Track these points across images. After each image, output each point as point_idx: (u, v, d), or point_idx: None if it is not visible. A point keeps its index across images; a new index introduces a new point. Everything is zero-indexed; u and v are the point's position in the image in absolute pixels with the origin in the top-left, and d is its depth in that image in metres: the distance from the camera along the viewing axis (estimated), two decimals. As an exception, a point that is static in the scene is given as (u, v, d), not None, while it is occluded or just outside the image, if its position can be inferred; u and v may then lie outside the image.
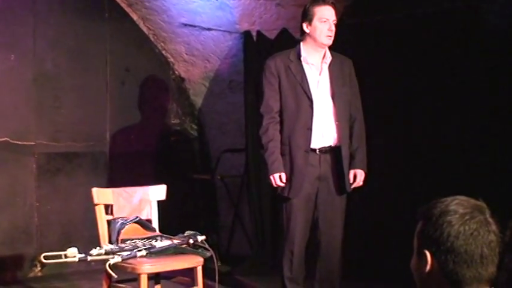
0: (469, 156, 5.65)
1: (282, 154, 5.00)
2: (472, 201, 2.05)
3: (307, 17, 4.98)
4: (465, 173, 5.60)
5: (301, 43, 5.07)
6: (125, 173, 7.23)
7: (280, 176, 4.96)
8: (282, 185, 4.98)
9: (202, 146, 8.08)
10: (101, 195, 4.86)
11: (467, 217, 1.98)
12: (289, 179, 4.98)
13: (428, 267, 2.01)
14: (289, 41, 6.39)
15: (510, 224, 2.17)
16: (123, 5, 7.40)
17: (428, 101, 6.01)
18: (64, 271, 6.63)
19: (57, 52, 6.92)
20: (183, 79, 7.89)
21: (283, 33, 6.79)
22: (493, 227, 2.00)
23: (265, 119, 5.04)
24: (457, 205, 2.01)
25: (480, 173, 5.51)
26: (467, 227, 1.97)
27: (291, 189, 4.98)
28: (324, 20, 4.93)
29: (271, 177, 4.97)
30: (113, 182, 6.89)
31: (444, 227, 1.98)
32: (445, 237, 1.97)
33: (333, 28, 4.97)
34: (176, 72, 7.88)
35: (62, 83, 6.95)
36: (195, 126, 8.07)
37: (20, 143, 6.60)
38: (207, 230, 6.46)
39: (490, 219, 2.01)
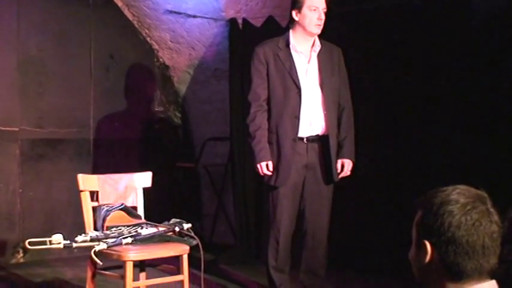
0: (463, 144, 5.62)
1: (269, 142, 4.98)
2: (473, 190, 2.00)
3: (296, 4, 4.95)
4: (459, 162, 5.58)
5: (291, 31, 5.04)
6: (108, 160, 7.22)
7: (267, 165, 4.95)
8: (269, 173, 4.97)
9: (186, 134, 8.05)
10: (87, 181, 4.81)
11: (468, 207, 1.93)
12: (276, 168, 4.96)
13: (428, 258, 1.97)
14: (275, 29, 6.36)
15: (508, 214, 2.13)
16: (108, -9, 7.35)
17: (417, 91, 5.98)
18: (47, 258, 6.59)
19: (42, 38, 6.87)
20: (167, 67, 7.85)
21: (269, 21, 6.73)
22: (495, 218, 1.96)
23: (252, 107, 5.01)
24: (458, 195, 1.96)
25: (474, 162, 5.49)
26: (469, 217, 1.92)
27: (278, 177, 4.96)
28: (314, 8, 4.90)
29: (258, 165, 4.96)
30: (96, 168, 6.90)
31: (445, 217, 1.93)
32: (446, 227, 1.93)
33: (323, 17, 4.94)
34: (161, 60, 7.83)
35: (46, 69, 6.90)
36: (179, 114, 8.03)
37: (3, 128, 6.55)
38: (190, 218, 6.43)
39: (492, 210, 1.97)
